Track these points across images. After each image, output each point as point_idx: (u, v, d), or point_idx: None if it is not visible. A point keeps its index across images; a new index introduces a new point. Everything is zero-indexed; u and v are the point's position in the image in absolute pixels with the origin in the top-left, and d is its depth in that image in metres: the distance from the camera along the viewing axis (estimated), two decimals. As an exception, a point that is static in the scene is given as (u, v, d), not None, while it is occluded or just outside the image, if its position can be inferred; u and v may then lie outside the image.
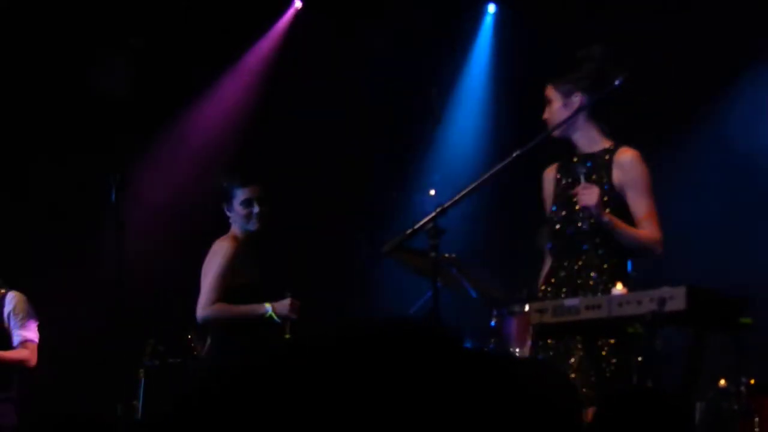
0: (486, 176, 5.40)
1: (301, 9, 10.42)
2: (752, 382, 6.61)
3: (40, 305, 8.07)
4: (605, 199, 5.30)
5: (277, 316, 6.49)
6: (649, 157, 5.52)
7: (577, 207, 5.36)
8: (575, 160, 5.49)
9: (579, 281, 5.34)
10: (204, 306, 6.57)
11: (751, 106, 9.44)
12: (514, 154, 5.35)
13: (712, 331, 4.68)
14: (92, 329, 8.52)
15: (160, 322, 8.53)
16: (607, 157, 5.40)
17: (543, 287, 5.57)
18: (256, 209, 6.58)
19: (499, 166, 5.42)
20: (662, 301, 4.44)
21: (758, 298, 4.93)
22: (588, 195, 5.22)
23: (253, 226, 6.62)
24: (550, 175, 5.65)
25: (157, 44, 9.69)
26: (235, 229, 6.70)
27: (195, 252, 9.33)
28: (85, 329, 8.85)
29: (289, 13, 10.43)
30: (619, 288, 4.76)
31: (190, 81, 9.99)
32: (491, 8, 10.71)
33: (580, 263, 5.35)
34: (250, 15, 10.11)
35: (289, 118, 9.97)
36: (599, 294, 5.14)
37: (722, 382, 7.20)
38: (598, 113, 5.44)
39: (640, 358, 6.73)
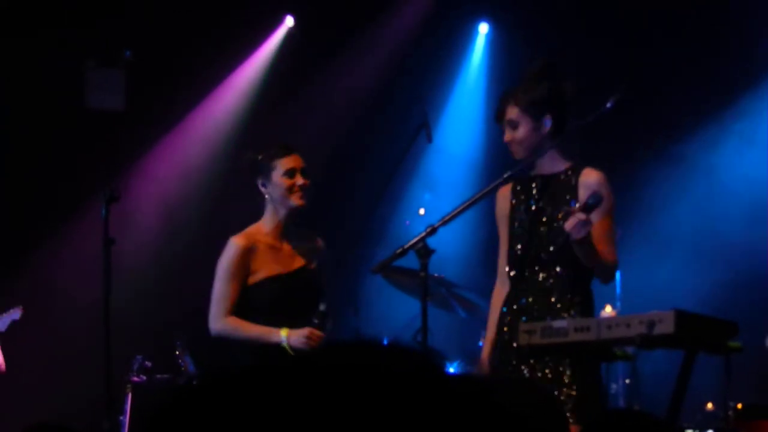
0: (476, 196, 5.38)
1: (293, 26, 10.43)
2: (739, 406, 6.61)
3: (28, 319, 8.05)
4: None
5: (291, 348, 5.65)
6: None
7: (541, 228, 5.20)
8: (534, 180, 5.30)
9: (541, 307, 5.17)
10: (214, 318, 5.83)
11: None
12: (505, 176, 5.32)
13: (700, 354, 4.67)
14: (79, 344, 8.50)
15: (147, 338, 8.51)
16: (570, 177, 5.22)
17: (502, 312, 5.30)
18: (300, 181, 5.86)
19: (490, 186, 5.40)
20: (651, 324, 4.43)
21: (745, 322, 4.92)
22: (581, 228, 4.82)
23: (295, 200, 5.86)
24: (505, 195, 5.41)
25: (149, 59, 9.70)
26: (269, 212, 5.95)
27: (184, 267, 9.35)
28: (72, 344, 8.83)
29: (280, 30, 10.44)
30: (608, 310, 4.74)
31: (180, 96, 9.98)
32: (483, 28, 10.74)
33: (545, 288, 5.19)
34: (241, 32, 10.12)
35: (279, 134, 9.96)
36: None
37: (709, 405, 7.21)
38: (560, 134, 5.28)
39: (628, 381, 6.70)
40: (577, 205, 4.95)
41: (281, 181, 5.88)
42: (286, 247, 5.98)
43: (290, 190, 5.87)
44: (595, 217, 4.91)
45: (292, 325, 5.73)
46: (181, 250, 9.62)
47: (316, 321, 5.72)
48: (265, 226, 5.98)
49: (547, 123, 5.22)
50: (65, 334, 9.04)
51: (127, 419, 7.47)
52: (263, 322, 5.78)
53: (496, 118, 5.36)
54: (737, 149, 9.58)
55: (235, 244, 5.88)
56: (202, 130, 10.15)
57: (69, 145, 9.42)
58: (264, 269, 5.87)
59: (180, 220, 9.89)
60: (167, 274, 9.59)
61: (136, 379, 7.54)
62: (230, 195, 9.22)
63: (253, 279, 5.87)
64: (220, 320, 5.82)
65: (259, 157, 5.94)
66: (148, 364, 7.59)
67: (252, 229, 5.99)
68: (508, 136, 5.28)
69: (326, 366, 1.31)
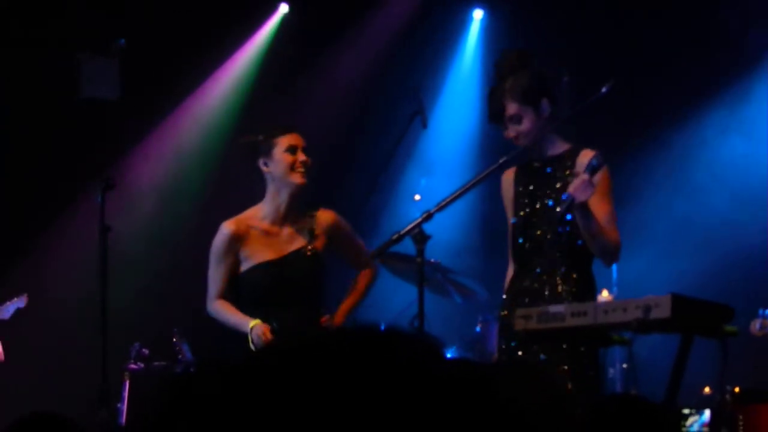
0: (472, 182, 5.39)
1: (287, 14, 10.42)
2: (737, 390, 6.62)
3: (26, 309, 8.05)
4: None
5: (252, 340, 5.57)
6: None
7: (543, 211, 5.22)
8: (535, 164, 5.32)
9: (543, 289, 5.19)
10: (208, 300, 5.84)
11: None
12: (501, 161, 5.34)
13: (697, 338, 4.67)
14: (77, 332, 8.50)
15: (144, 325, 8.52)
16: (568, 158, 5.25)
17: (504, 296, 5.37)
18: (302, 157, 5.79)
19: (486, 171, 5.41)
20: (647, 309, 4.44)
21: (740, 306, 4.92)
22: (585, 188, 4.90)
23: (297, 178, 5.77)
24: (509, 179, 5.44)
25: (142, 48, 9.68)
26: (270, 194, 5.86)
27: (181, 255, 9.35)
28: (70, 331, 8.83)
29: (274, 18, 10.43)
30: (605, 295, 4.74)
31: (174, 84, 9.97)
32: (477, 14, 10.74)
33: (548, 270, 5.20)
34: (235, 19, 10.10)
35: (274, 122, 9.95)
36: (566, 302, 5.04)
37: (707, 389, 7.23)
38: (558, 117, 5.30)
39: (624, 365, 6.69)
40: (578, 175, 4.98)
41: (283, 157, 5.79)
42: (286, 230, 5.87)
43: (292, 167, 5.78)
44: (593, 199, 4.94)
45: (284, 310, 5.68)
46: (179, 238, 9.62)
47: (275, 325, 5.63)
48: (263, 209, 5.89)
49: (546, 107, 5.23)
50: (63, 323, 9.04)
51: (124, 406, 7.48)
52: (255, 309, 5.71)
53: (494, 118, 5.32)
54: (723, 135, 9.59)
55: (224, 229, 5.83)
56: (197, 117, 10.14)
57: (65, 136, 9.40)
58: (255, 256, 5.80)
59: (177, 208, 9.88)
60: (165, 262, 9.59)
61: (133, 366, 7.54)
62: (227, 182, 9.21)
63: (244, 266, 5.81)
64: (210, 303, 5.81)
65: (260, 137, 5.86)
66: (146, 351, 7.60)
67: (248, 213, 5.91)
68: (511, 131, 5.27)
69: (325, 352, 1.31)
